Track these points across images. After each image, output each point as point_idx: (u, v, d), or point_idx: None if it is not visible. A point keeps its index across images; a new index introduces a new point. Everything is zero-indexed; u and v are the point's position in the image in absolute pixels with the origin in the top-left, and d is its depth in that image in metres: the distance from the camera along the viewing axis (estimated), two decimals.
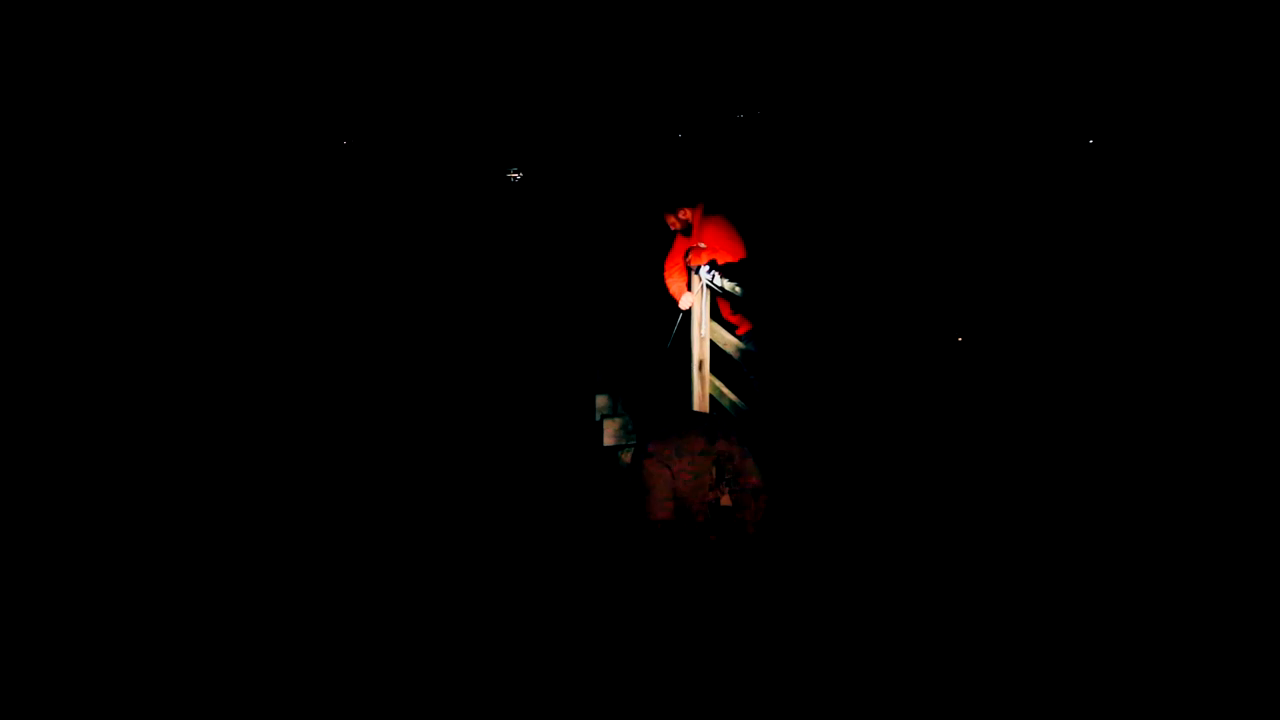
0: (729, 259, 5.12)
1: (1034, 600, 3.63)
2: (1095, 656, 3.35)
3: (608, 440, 5.73)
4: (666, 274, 5.53)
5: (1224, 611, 3.48)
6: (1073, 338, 5.54)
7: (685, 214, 5.36)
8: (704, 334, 5.12)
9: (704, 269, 5.02)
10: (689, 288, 5.28)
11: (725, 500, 3.51)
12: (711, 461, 3.53)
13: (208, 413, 6.20)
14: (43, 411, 5.95)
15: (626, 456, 5.42)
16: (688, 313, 5.31)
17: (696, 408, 5.27)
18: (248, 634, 3.76)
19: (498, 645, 3.62)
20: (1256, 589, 3.55)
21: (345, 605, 3.97)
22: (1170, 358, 4.93)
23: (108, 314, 7.49)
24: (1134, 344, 5.23)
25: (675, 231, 5.49)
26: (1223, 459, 4.32)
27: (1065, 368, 5.15)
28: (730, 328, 5.31)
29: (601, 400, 6.04)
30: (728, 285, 4.82)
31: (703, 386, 5.25)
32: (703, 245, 5.18)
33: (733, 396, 4.92)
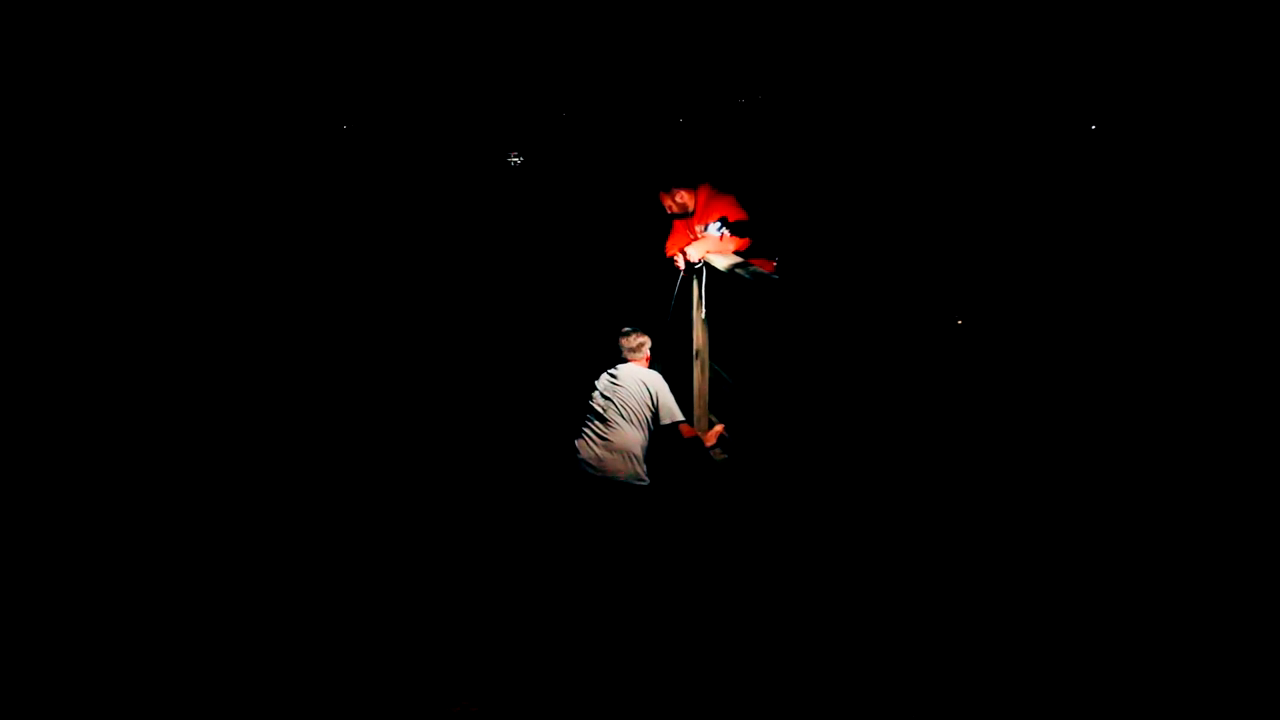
0: (739, 217, 5.04)
1: (1028, 593, 3.58)
2: (1090, 651, 3.30)
3: None
4: (669, 254, 5.35)
5: (1221, 609, 3.43)
6: (1076, 320, 5.46)
7: (682, 197, 5.14)
8: (702, 316, 5.04)
9: (713, 226, 4.94)
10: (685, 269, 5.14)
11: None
12: None
13: (185, 404, 6.15)
14: (34, 412, 5.89)
15: None
16: (683, 292, 5.15)
17: (695, 397, 5.21)
18: (244, 633, 3.74)
19: (491, 643, 3.60)
20: (1254, 586, 3.49)
21: (337, 603, 3.94)
22: (1172, 348, 4.85)
23: (88, 305, 7.40)
24: (1136, 332, 5.15)
25: (672, 216, 5.33)
26: (1222, 451, 4.25)
27: (1067, 351, 5.06)
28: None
29: None
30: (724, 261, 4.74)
31: (702, 373, 5.17)
32: (705, 229, 5.07)
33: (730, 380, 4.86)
